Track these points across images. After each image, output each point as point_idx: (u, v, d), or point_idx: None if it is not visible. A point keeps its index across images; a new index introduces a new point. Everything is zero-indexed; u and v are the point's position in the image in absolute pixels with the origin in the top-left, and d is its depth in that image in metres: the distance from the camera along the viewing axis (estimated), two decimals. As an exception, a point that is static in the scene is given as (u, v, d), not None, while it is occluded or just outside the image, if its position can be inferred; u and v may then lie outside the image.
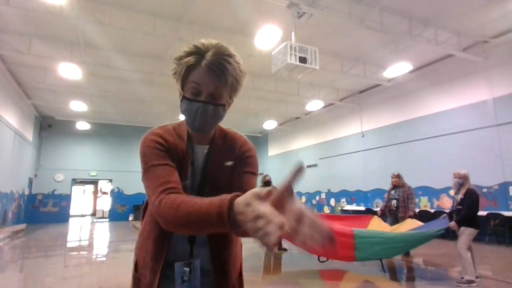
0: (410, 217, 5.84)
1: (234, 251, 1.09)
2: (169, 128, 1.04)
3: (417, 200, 9.35)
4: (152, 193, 0.90)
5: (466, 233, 4.36)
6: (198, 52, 0.94)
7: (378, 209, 6.80)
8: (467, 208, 4.36)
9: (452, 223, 4.52)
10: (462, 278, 4.29)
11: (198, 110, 0.95)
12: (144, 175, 0.95)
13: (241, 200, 0.70)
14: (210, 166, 1.04)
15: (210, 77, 0.93)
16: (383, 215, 6.30)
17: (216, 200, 0.75)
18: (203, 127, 0.99)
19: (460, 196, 4.53)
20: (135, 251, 1.07)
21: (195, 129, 1.00)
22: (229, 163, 1.05)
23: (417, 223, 5.37)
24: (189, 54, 0.94)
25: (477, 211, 4.41)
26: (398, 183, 6.29)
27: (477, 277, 4.32)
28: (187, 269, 0.98)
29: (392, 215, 6.21)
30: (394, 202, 6.19)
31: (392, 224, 5.89)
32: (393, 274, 5.22)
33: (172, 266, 0.98)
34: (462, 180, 4.56)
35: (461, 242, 4.34)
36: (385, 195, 6.59)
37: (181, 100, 0.99)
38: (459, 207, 4.49)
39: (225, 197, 0.74)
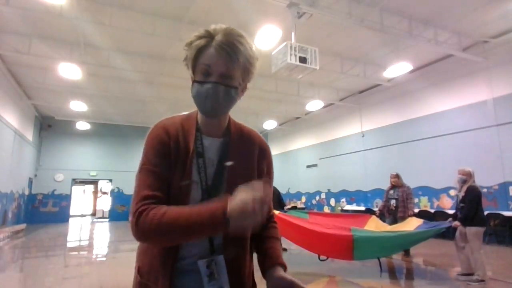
0: (410, 216, 5.84)
1: (247, 261, 1.05)
2: (176, 120, 1.01)
3: (416, 200, 9.36)
4: (135, 200, 0.88)
5: (474, 234, 4.32)
6: (209, 35, 0.92)
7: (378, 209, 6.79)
8: (469, 205, 4.36)
9: (456, 222, 4.51)
10: (468, 275, 4.30)
11: (208, 91, 0.91)
12: (137, 174, 0.94)
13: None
14: (229, 160, 0.98)
15: (220, 57, 0.90)
16: (381, 215, 6.30)
17: (213, 203, 0.82)
18: (215, 110, 0.94)
19: (462, 194, 4.52)
20: (138, 257, 1.00)
21: (206, 113, 0.95)
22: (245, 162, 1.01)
23: (419, 220, 5.37)
24: (199, 37, 0.92)
25: (480, 207, 4.39)
26: (397, 183, 6.29)
27: (477, 277, 4.33)
28: (211, 266, 0.93)
29: (391, 215, 6.21)
30: (393, 202, 6.19)
31: (391, 224, 5.89)
32: (393, 274, 5.22)
33: (185, 269, 0.93)
34: (465, 177, 4.54)
35: (473, 245, 4.32)
36: (384, 195, 6.60)
37: (192, 85, 0.95)
38: (462, 204, 4.48)
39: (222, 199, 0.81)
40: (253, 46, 0.96)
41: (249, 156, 1.02)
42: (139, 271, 0.99)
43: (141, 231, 0.84)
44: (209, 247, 0.94)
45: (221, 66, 0.90)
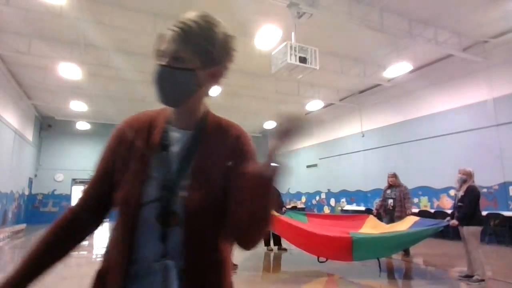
0: (408, 215, 5.85)
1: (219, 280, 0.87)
2: (149, 113, 0.96)
3: (416, 200, 9.36)
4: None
5: (471, 234, 4.34)
6: (175, 22, 0.85)
7: (378, 209, 6.79)
8: (468, 205, 4.37)
9: (453, 221, 4.52)
10: (470, 276, 4.31)
11: (156, 75, 0.82)
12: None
13: None
14: (197, 154, 0.87)
15: (172, 38, 0.82)
16: (378, 214, 6.31)
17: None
18: (166, 96, 0.84)
19: (461, 193, 4.53)
20: (103, 256, 0.91)
21: (162, 101, 0.85)
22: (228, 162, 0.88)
23: (415, 218, 5.38)
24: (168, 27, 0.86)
25: (478, 207, 4.41)
26: (394, 183, 6.30)
27: (477, 277, 4.33)
28: (161, 271, 0.79)
29: (388, 214, 6.22)
30: (390, 201, 6.20)
31: (388, 223, 5.89)
32: (393, 274, 5.22)
33: (139, 274, 0.81)
34: (465, 176, 4.55)
35: (471, 245, 4.34)
36: (381, 194, 6.60)
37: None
38: (460, 204, 4.49)
39: None
40: (221, 27, 0.86)
41: (220, 150, 0.89)
42: (97, 273, 0.89)
43: None
44: (162, 248, 0.80)
45: (171, 47, 0.81)
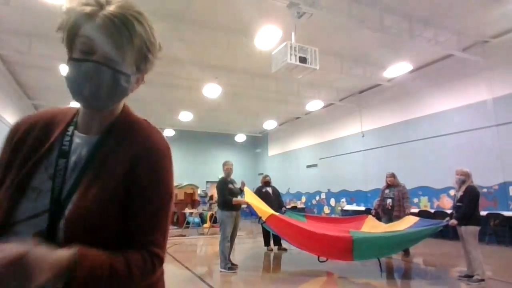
0: (407, 215, 5.86)
1: None
2: (52, 111, 0.82)
3: (416, 200, 9.36)
4: None
5: (470, 233, 4.35)
6: (97, 3, 0.71)
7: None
8: (467, 205, 4.38)
9: (452, 220, 4.53)
10: (470, 277, 4.31)
11: (88, 72, 0.69)
12: None
13: None
14: (92, 167, 0.73)
15: (108, 32, 0.69)
16: (376, 214, 6.33)
17: None
18: (95, 99, 0.71)
19: (460, 193, 4.54)
20: None
21: (83, 101, 0.72)
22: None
23: (415, 218, 5.39)
24: (84, 3, 0.71)
25: (477, 208, 4.42)
26: (393, 183, 6.31)
27: (477, 277, 4.34)
28: None
29: (386, 214, 6.23)
30: (389, 201, 6.21)
31: (387, 223, 5.90)
32: (393, 274, 5.22)
33: None
34: (464, 177, 4.57)
35: (469, 245, 4.35)
36: (379, 194, 6.61)
37: (67, 64, 0.73)
38: (458, 204, 4.51)
39: None
40: (155, 32, 0.77)
41: (117, 162, 0.74)
42: None
43: None
44: None
45: (108, 44, 0.69)
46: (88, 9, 0.70)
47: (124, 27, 0.70)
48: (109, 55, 0.70)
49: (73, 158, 0.75)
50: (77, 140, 0.76)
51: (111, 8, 0.70)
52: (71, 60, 0.71)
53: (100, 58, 0.69)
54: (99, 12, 0.70)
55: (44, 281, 0.55)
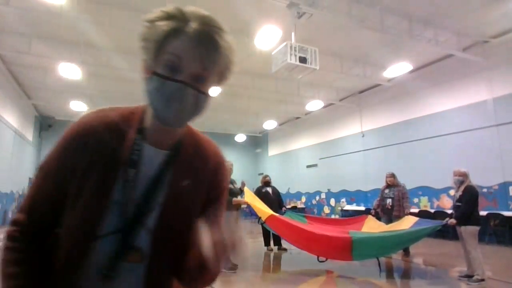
0: (406, 215, 5.86)
1: None
2: (112, 116, 0.76)
3: (416, 200, 9.36)
4: (19, 211, 0.73)
5: (469, 233, 4.35)
6: (181, 17, 0.69)
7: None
8: (466, 205, 4.38)
9: (452, 220, 4.53)
10: (470, 277, 4.31)
11: (174, 93, 0.67)
12: (35, 176, 0.75)
13: None
14: (170, 180, 0.75)
15: (199, 52, 0.68)
16: (376, 214, 6.33)
17: None
18: (178, 120, 0.71)
19: (459, 193, 4.55)
20: None
21: (165, 120, 0.71)
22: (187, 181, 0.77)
23: (415, 218, 5.39)
24: (168, 16, 0.68)
25: (476, 207, 4.42)
26: (393, 183, 6.32)
27: (477, 277, 4.34)
28: None
29: (386, 214, 6.23)
30: (389, 201, 6.21)
31: (387, 223, 5.90)
32: (393, 274, 5.22)
33: None
34: (462, 177, 4.58)
35: (469, 245, 4.35)
36: (379, 194, 6.62)
37: (149, 78, 0.71)
38: (458, 204, 4.51)
39: None
40: (232, 46, 0.75)
41: (197, 179, 0.78)
42: None
43: None
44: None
45: (196, 63, 0.68)
46: (173, 24, 0.68)
47: (211, 46, 0.68)
48: (195, 76, 0.69)
49: (143, 170, 0.73)
50: (147, 152, 0.75)
51: (196, 25, 0.68)
52: (157, 75, 0.69)
53: (187, 78, 0.68)
54: (185, 27, 0.68)
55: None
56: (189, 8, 0.70)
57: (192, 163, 0.79)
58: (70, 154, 0.73)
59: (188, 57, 0.68)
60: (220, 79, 0.76)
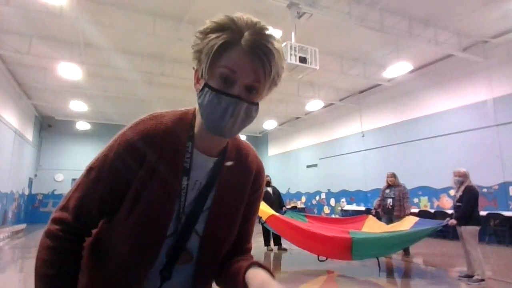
0: (406, 215, 5.87)
1: None
2: (166, 123, 0.77)
3: (416, 200, 9.36)
4: (61, 207, 0.74)
5: (469, 233, 4.35)
6: (236, 29, 0.68)
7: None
8: (466, 205, 4.38)
9: (452, 220, 4.54)
10: (470, 277, 4.31)
11: (228, 107, 0.67)
12: (84, 176, 0.75)
13: None
14: (219, 187, 0.79)
15: (252, 64, 0.67)
16: (376, 214, 6.33)
17: None
18: (229, 132, 0.72)
19: (459, 194, 4.55)
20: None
21: (218, 132, 0.72)
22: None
23: (415, 218, 5.40)
24: (221, 28, 0.68)
25: (476, 207, 4.42)
26: (393, 183, 6.32)
27: (477, 277, 4.34)
28: None
29: (386, 214, 6.23)
30: (389, 201, 6.21)
31: (387, 223, 5.90)
32: (393, 274, 5.22)
33: None
34: (462, 178, 4.58)
35: (469, 245, 4.35)
36: (380, 194, 6.62)
37: (202, 90, 0.71)
38: (458, 204, 4.51)
39: None
40: (283, 54, 0.74)
41: (241, 183, 0.82)
42: None
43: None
44: (158, 286, 0.77)
45: (250, 76, 0.68)
46: (228, 37, 0.67)
47: (265, 58, 0.68)
48: (248, 87, 0.69)
49: (194, 176, 0.77)
50: (198, 159, 0.77)
51: (249, 35, 0.67)
52: (210, 88, 0.69)
53: (241, 91, 0.68)
54: (238, 39, 0.67)
55: None
56: (240, 17, 0.70)
57: (236, 168, 0.82)
58: (127, 161, 0.73)
59: (242, 70, 0.68)
60: (271, 86, 0.76)
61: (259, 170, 0.87)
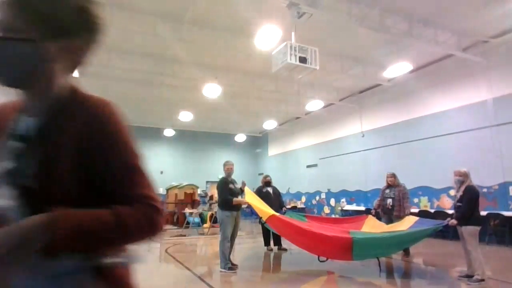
0: (407, 215, 5.87)
1: None
2: (7, 103, 0.84)
3: (416, 200, 9.36)
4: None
5: (470, 233, 4.35)
6: None
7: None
8: (466, 205, 4.38)
9: (452, 220, 4.53)
10: (471, 276, 4.32)
11: None
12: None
13: None
14: (40, 145, 0.73)
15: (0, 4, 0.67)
16: (376, 214, 6.33)
17: None
18: (3, 75, 0.71)
19: (459, 194, 4.54)
20: None
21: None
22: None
23: (415, 218, 5.40)
24: None
25: (477, 207, 4.42)
26: (393, 183, 6.32)
27: (477, 277, 4.34)
28: None
29: (386, 214, 6.23)
30: (389, 201, 6.21)
31: (387, 223, 5.90)
32: (393, 274, 5.22)
33: None
34: (462, 178, 4.57)
35: (469, 245, 4.35)
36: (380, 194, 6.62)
37: None
38: (458, 204, 4.51)
39: None
40: None
41: (66, 139, 0.74)
42: None
43: None
44: None
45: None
46: None
47: None
48: (3, 26, 0.66)
49: (18, 139, 0.75)
50: (23, 123, 0.76)
51: None
52: None
53: None
54: None
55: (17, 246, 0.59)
56: None
57: (63, 124, 0.75)
58: None
59: None
60: (50, 26, 0.71)
61: (96, 107, 0.82)
